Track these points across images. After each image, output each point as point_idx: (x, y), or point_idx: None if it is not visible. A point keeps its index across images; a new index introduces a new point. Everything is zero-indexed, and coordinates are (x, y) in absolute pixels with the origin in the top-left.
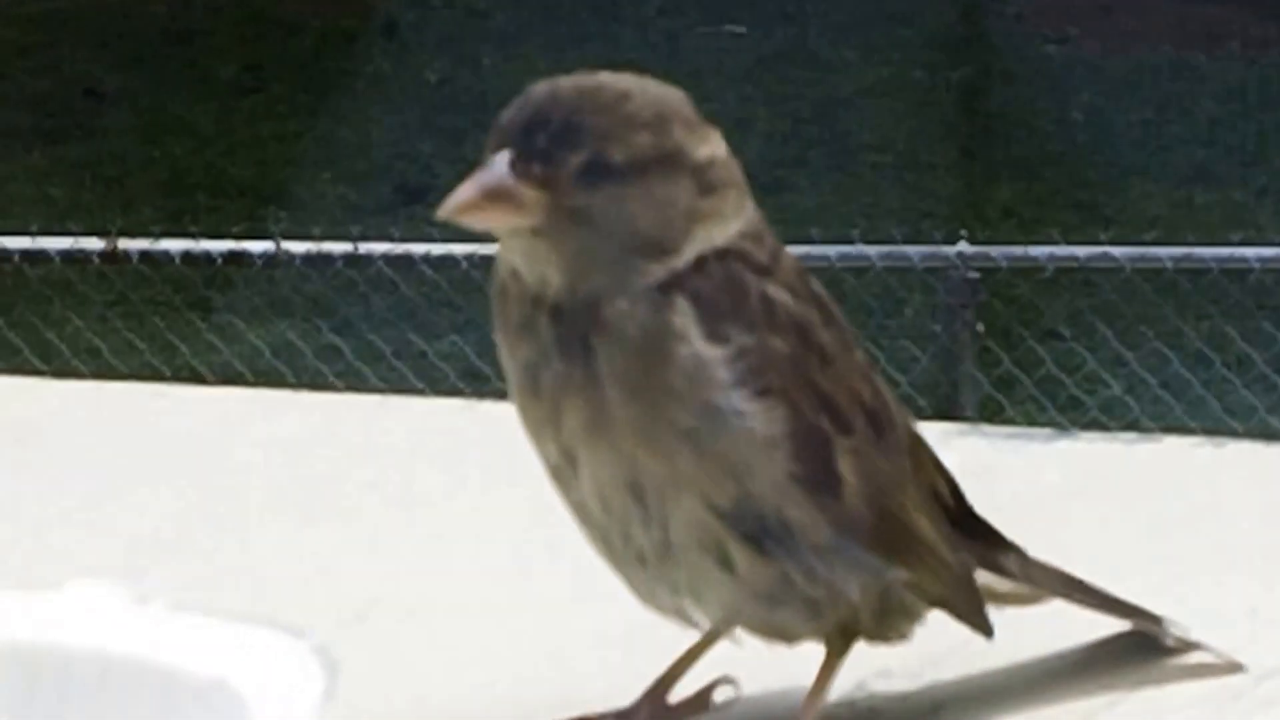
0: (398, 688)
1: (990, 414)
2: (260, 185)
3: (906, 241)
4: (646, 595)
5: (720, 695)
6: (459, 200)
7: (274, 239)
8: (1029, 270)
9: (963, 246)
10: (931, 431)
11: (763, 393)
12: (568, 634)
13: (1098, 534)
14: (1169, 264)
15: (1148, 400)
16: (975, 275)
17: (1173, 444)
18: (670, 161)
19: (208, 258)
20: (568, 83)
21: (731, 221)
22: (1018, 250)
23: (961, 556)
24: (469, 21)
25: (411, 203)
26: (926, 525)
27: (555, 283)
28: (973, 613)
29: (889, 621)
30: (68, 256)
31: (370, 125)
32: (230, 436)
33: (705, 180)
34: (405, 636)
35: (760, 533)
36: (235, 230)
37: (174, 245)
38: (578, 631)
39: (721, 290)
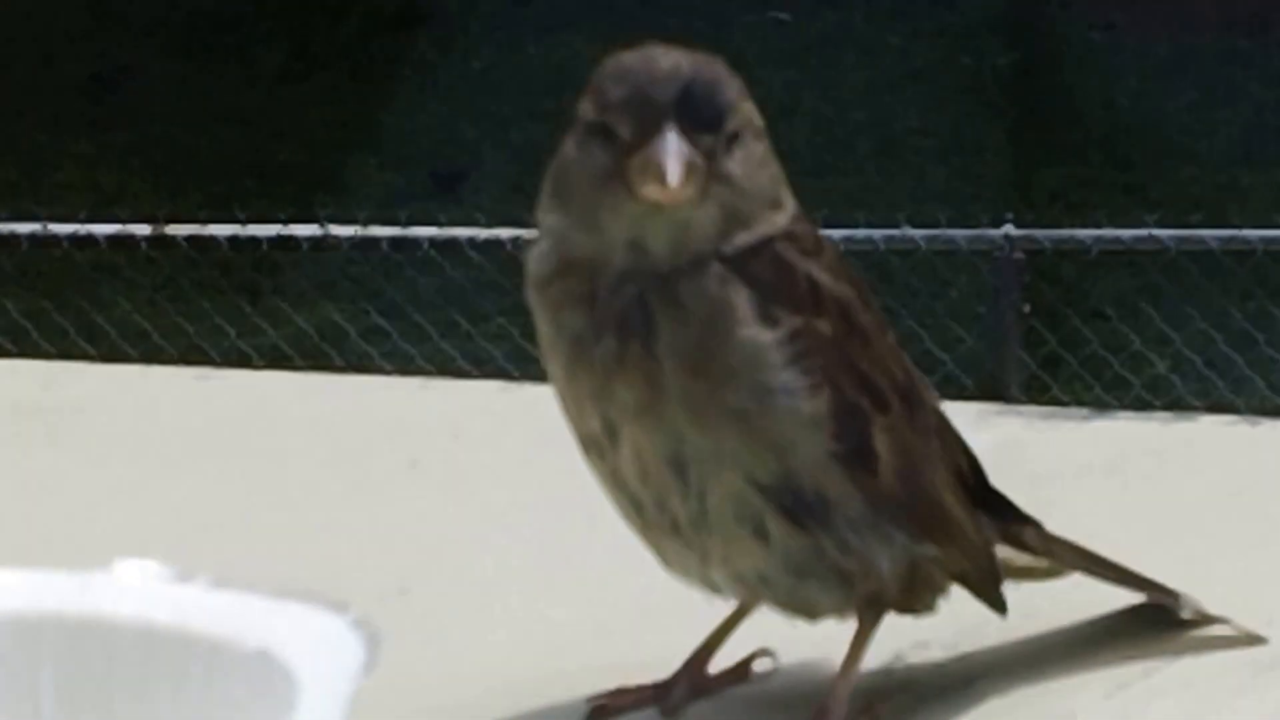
0: (438, 659)
1: (1036, 393)
2: (307, 171)
3: (952, 225)
4: (675, 563)
5: (759, 666)
6: (675, 180)
7: (321, 223)
8: (1075, 252)
9: (1008, 229)
10: (967, 411)
11: (809, 373)
12: (606, 608)
13: (1131, 510)
14: (1214, 245)
15: (1192, 379)
16: (1021, 257)
17: (1209, 423)
18: (755, 129)
19: (255, 242)
20: (674, 55)
21: (789, 195)
22: (1063, 232)
23: (984, 533)
24: (513, 9)
25: (456, 187)
26: (953, 501)
27: (664, 253)
28: (989, 590)
29: (915, 594)
30: (116, 241)
31: (415, 111)
32: (273, 418)
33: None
34: (446, 610)
35: (798, 506)
36: (282, 215)
37: (222, 230)
38: (616, 605)
39: (771, 272)
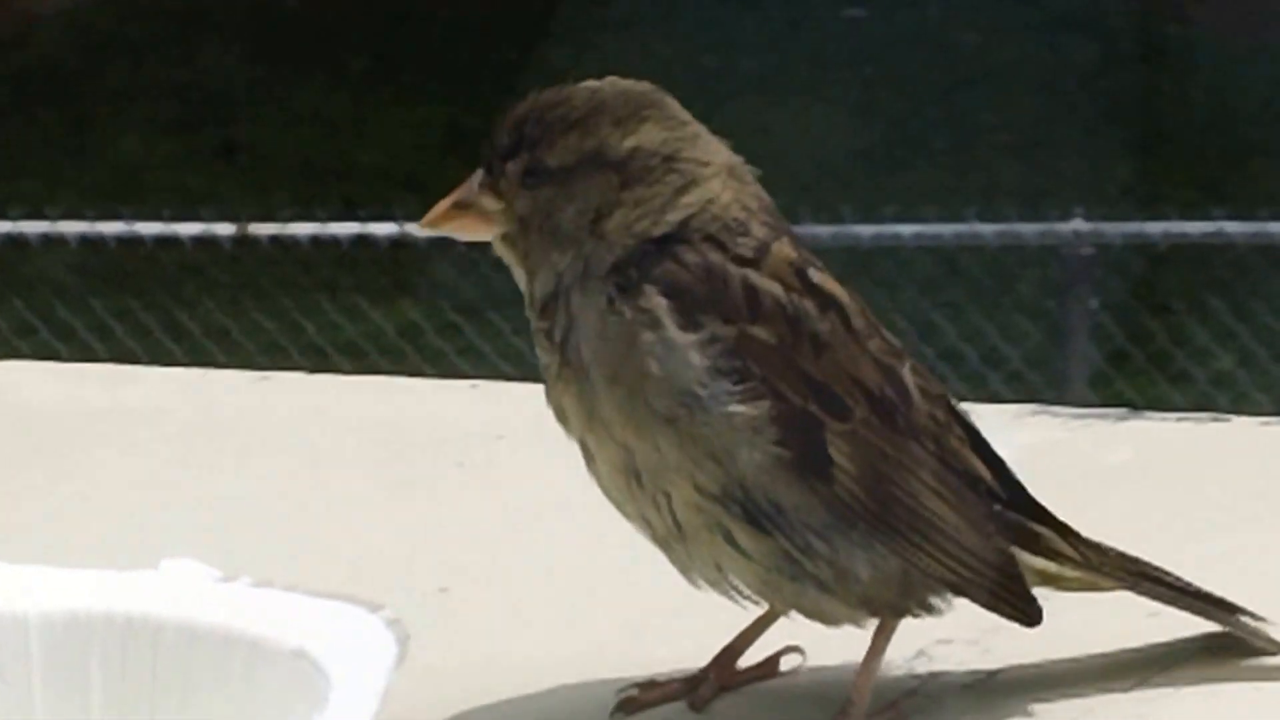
0: (474, 654)
1: (1101, 387)
2: (387, 172)
3: (1023, 220)
4: (684, 571)
5: (787, 663)
6: (432, 214)
7: (399, 222)
8: (1143, 247)
9: (1077, 224)
10: (1004, 413)
11: (743, 379)
12: (638, 605)
13: (1164, 510)
14: None
15: (1257, 373)
16: (1090, 252)
17: (1241, 424)
18: (592, 159)
19: (335, 241)
20: (532, 95)
21: (671, 209)
22: (1132, 227)
23: (993, 541)
24: (592, 9)
25: None
26: (942, 507)
27: (523, 284)
28: (990, 597)
29: (914, 597)
30: (200, 241)
31: (496, 113)
32: (329, 419)
33: (627, 172)
34: (484, 607)
35: (755, 513)
36: (362, 214)
37: (303, 229)
38: (648, 603)
39: (700, 281)
